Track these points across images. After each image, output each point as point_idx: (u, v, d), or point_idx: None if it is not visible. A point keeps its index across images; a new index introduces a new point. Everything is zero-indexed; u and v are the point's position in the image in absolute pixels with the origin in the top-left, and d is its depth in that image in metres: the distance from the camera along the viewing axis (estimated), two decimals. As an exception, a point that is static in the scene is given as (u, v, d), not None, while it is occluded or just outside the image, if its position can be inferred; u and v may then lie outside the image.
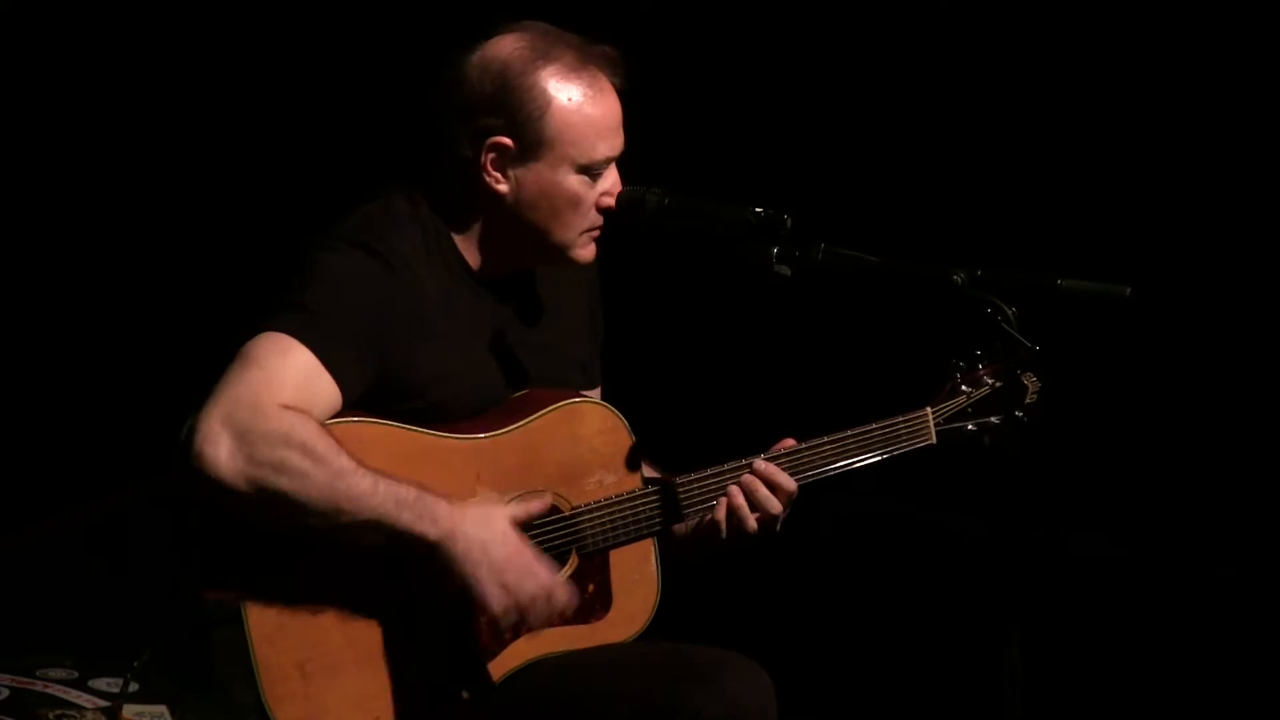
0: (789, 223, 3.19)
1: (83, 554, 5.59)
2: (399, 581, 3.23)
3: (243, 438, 3.09)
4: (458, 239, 3.39)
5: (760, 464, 3.45)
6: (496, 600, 3.20)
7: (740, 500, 3.44)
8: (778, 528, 3.48)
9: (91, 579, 5.47)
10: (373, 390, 3.25)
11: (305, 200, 5.48)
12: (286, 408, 3.12)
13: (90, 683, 5.07)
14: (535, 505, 3.30)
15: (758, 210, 3.22)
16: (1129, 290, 3.16)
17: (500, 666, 3.33)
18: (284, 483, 3.10)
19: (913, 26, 5.36)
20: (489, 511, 3.24)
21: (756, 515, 3.44)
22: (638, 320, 3.69)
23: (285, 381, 3.15)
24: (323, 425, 3.15)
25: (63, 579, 5.51)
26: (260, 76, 5.67)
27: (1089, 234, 5.14)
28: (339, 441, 3.15)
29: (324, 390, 3.19)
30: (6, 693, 4.99)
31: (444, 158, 3.37)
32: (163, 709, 4.82)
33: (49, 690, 5.03)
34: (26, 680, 5.06)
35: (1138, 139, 5.19)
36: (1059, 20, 5.23)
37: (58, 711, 4.92)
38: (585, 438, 3.40)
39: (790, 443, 3.49)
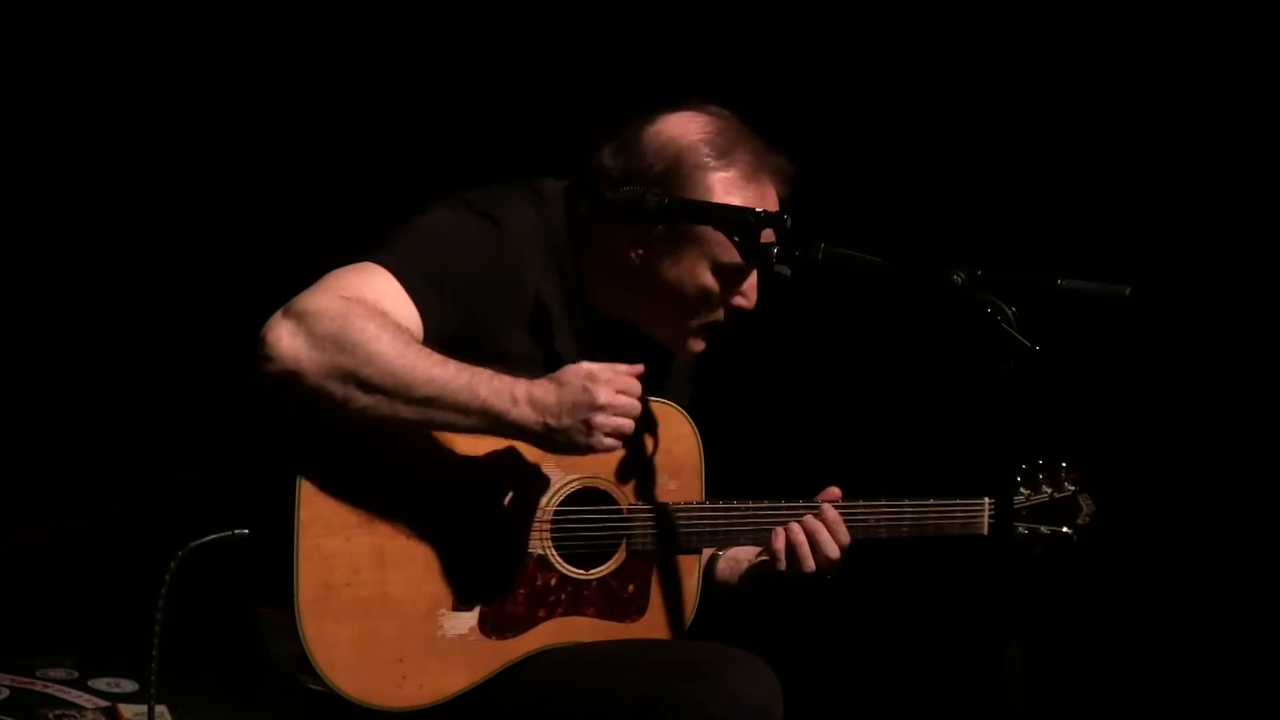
0: (789, 223, 3.19)
1: (83, 553, 5.60)
2: (458, 528, 3.23)
3: (302, 317, 3.07)
4: (576, 259, 3.38)
5: (831, 512, 3.46)
6: (605, 444, 3.18)
7: (801, 539, 3.44)
8: (829, 576, 3.49)
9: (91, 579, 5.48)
10: (457, 349, 3.21)
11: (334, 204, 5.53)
12: (348, 297, 3.11)
13: (90, 683, 5.07)
14: (626, 367, 3.23)
15: (758, 210, 3.22)
16: (1129, 290, 3.17)
17: (528, 642, 3.34)
18: (346, 359, 3.06)
19: (913, 26, 5.36)
20: (563, 379, 3.18)
21: (816, 558, 3.45)
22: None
23: (356, 286, 3.13)
24: (385, 313, 3.12)
25: (63, 579, 5.52)
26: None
27: (1089, 234, 5.14)
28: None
29: (401, 308, 3.15)
30: (6, 693, 5.00)
31: (594, 203, 3.35)
32: (163, 709, 4.82)
33: (49, 690, 5.03)
34: (26, 680, 5.07)
35: (1138, 139, 5.20)
36: (1059, 20, 5.23)
37: (58, 711, 4.93)
38: (658, 438, 3.41)
39: (835, 492, 3.51)
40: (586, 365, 3.20)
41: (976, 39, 5.31)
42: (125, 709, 4.93)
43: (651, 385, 3.48)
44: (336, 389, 3.09)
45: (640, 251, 3.35)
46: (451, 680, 3.27)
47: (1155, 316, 4.80)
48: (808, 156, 5.33)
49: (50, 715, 4.91)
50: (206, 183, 5.76)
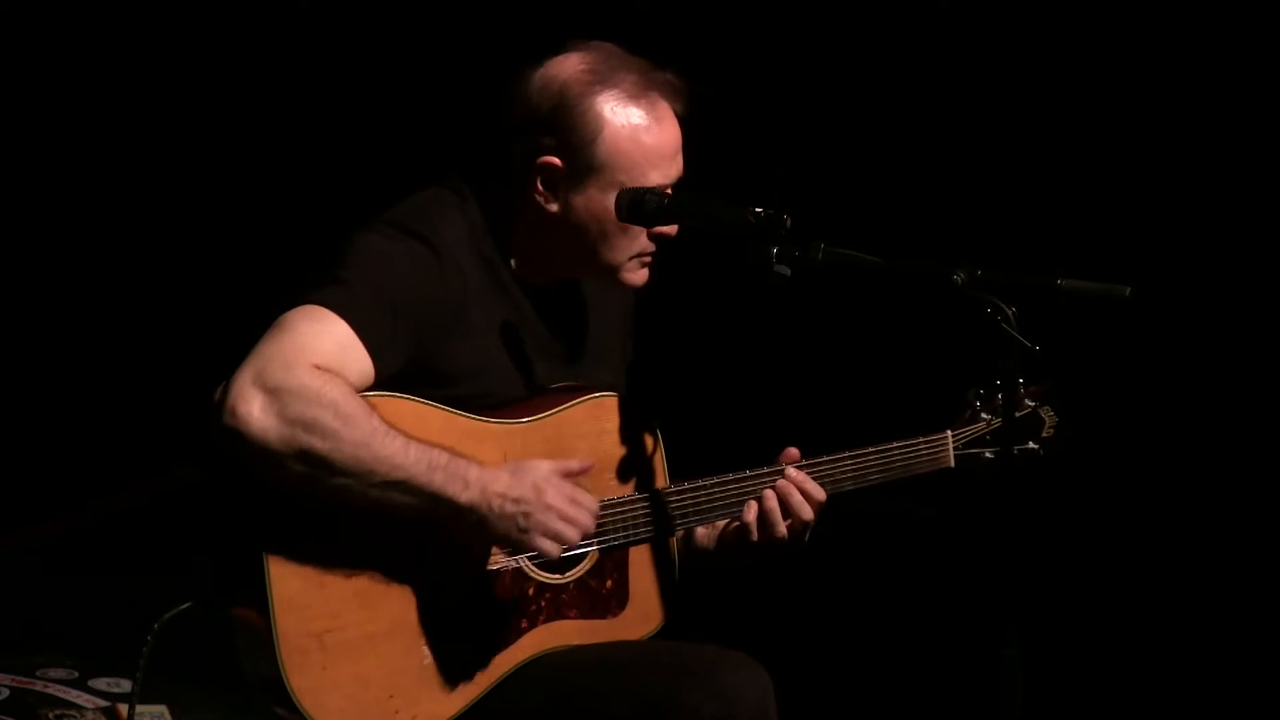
0: (789, 223, 3.19)
1: (83, 553, 5.60)
2: (424, 559, 3.24)
3: (275, 395, 3.09)
4: (503, 241, 3.39)
5: (794, 471, 3.48)
6: (541, 544, 3.22)
7: (774, 504, 3.46)
8: (806, 538, 3.50)
9: (92, 578, 5.48)
10: (405, 374, 3.26)
11: (326, 199, 5.52)
12: (319, 368, 3.13)
13: (90, 683, 5.07)
14: (574, 464, 3.30)
15: (758, 210, 3.22)
16: (1129, 290, 3.17)
17: (515, 655, 3.34)
18: (315, 441, 3.10)
19: (913, 26, 5.35)
20: (520, 466, 3.24)
21: (788, 522, 3.47)
22: (638, 322, 3.69)
23: (319, 345, 3.16)
24: (354, 389, 3.16)
25: (63, 579, 5.51)
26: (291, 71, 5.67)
27: (1089, 234, 5.14)
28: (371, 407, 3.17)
29: (358, 363, 3.19)
30: (6, 693, 5.00)
31: (499, 169, 3.38)
32: (162, 709, 4.82)
33: (49, 690, 5.03)
34: (26, 680, 5.07)
35: (1137, 139, 5.19)
36: (1059, 20, 5.23)
37: (58, 711, 4.92)
38: (613, 432, 3.42)
39: (794, 452, 3.51)
40: (546, 465, 3.25)
41: (976, 39, 5.30)
42: (125, 709, 4.93)
43: (592, 349, 3.51)
44: (301, 470, 3.12)
45: (552, 200, 3.35)
46: (444, 707, 3.28)
47: (1155, 316, 4.80)
48: (808, 157, 5.35)
49: (50, 715, 4.90)
50: (207, 182, 5.75)
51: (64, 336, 5.76)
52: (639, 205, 3.30)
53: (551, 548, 3.23)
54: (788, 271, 3.17)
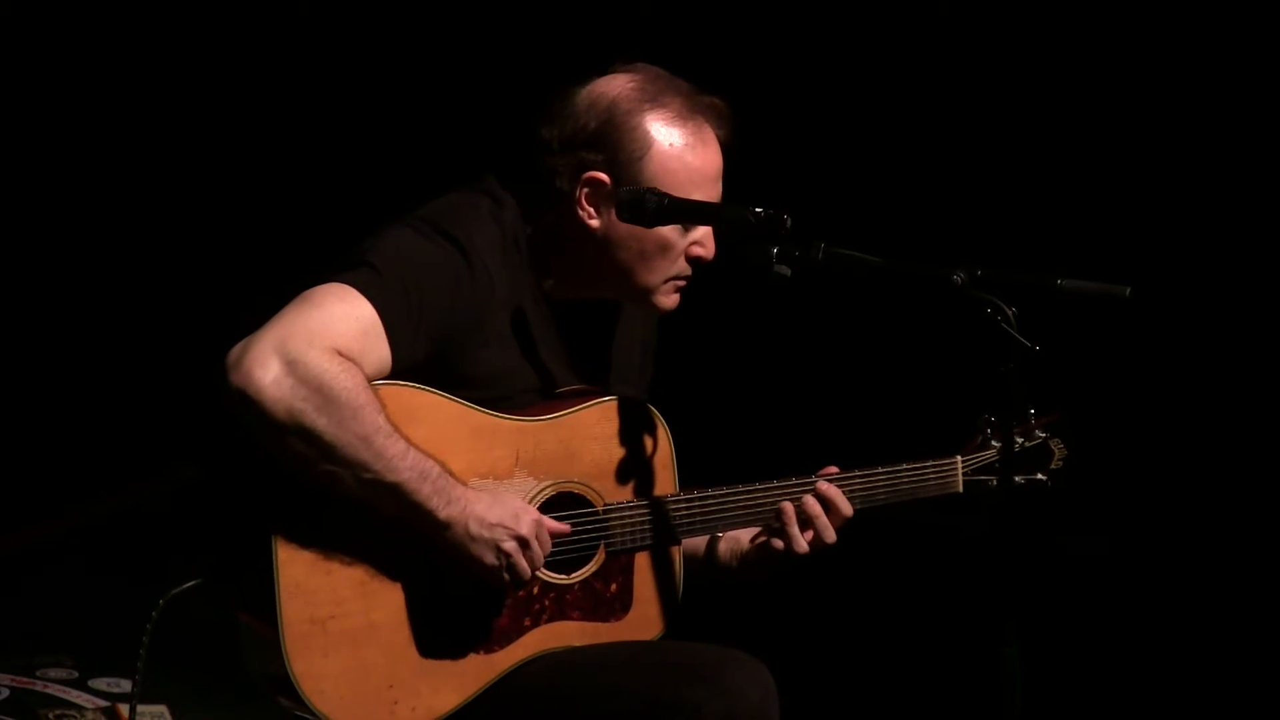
0: (789, 223, 3.19)
1: (83, 552, 5.60)
2: (430, 552, 3.25)
3: (292, 367, 3.11)
4: (536, 254, 3.40)
5: (824, 486, 3.48)
6: (494, 577, 3.26)
7: (795, 526, 3.48)
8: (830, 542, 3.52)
9: (91, 578, 5.48)
10: (423, 373, 3.27)
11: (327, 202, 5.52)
12: (340, 353, 3.15)
13: (90, 683, 5.07)
14: (555, 525, 3.32)
15: (758, 210, 3.22)
16: (1129, 290, 3.17)
17: (516, 653, 3.35)
18: (320, 423, 3.12)
19: (913, 27, 5.36)
20: (504, 500, 3.27)
21: (809, 538, 3.48)
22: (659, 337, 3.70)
23: (343, 328, 3.18)
24: (369, 382, 3.18)
25: (63, 579, 5.51)
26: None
27: (1089, 234, 5.14)
28: (383, 402, 3.18)
29: (377, 350, 3.22)
30: (6, 693, 5.00)
31: (540, 183, 3.39)
32: (162, 709, 4.82)
33: (49, 690, 5.03)
34: (26, 680, 5.07)
35: (1137, 139, 5.20)
36: (1059, 20, 5.23)
37: (58, 711, 4.93)
38: (627, 436, 3.43)
39: (833, 471, 3.51)
40: (530, 509, 3.29)
41: (976, 39, 5.31)
42: (125, 709, 4.93)
43: (615, 368, 3.52)
44: (300, 447, 3.15)
45: (594, 215, 3.37)
46: (443, 700, 3.29)
47: (1155, 317, 4.80)
48: (808, 157, 5.35)
49: (50, 715, 4.91)
50: (206, 182, 5.75)
51: (63, 337, 5.75)
52: (639, 204, 3.30)
53: (505, 580, 3.27)
54: (788, 271, 3.18)
